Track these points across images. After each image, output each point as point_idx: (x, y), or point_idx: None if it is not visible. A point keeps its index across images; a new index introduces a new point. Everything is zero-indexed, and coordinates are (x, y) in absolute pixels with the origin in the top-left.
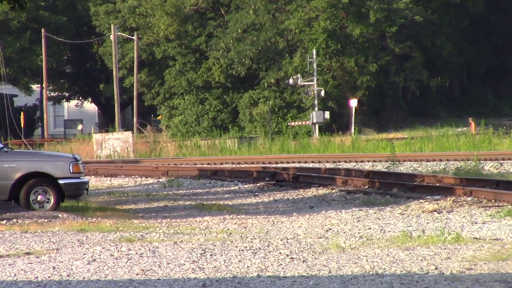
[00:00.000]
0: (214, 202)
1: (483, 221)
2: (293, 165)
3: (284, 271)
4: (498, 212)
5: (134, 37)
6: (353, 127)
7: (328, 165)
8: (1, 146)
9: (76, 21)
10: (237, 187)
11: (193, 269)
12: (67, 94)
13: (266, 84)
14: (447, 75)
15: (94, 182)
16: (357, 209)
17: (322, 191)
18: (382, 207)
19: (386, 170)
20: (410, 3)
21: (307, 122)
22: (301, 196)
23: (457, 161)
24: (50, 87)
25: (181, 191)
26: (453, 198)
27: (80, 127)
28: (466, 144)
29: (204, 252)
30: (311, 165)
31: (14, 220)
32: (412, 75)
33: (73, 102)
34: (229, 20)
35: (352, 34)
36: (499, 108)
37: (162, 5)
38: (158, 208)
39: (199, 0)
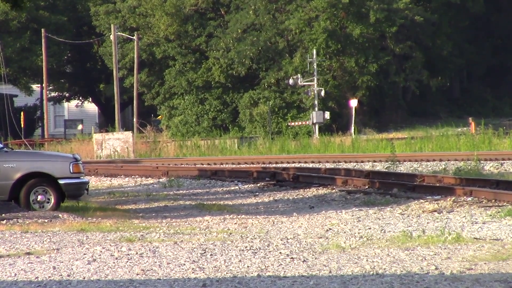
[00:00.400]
0: (214, 202)
1: (483, 221)
2: (293, 165)
3: (284, 271)
4: (498, 212)
5: (134, 37)
6: (353, 127)
7: (328, 165)
8: (1, 146)
9: (76, 21)
10: (237, 187)
11: (193, 269)
12: (67, 94)
13: (266, 84)
14: (447, 75)
15: (94, 182)
16: (357, 209)
17: (322, 191)
18: (382, 207)
19: (386, 170)
20: (410, 3)
21: (307, 122)
22: (301, 196)
23: (457, 161)
24: (50, 87)
25: (181, 191)
26: (453, 198)
27: (80, 127)
28: (466, 144)
29: (204, 252)
30: (311, 165)
31: (15, 220)
32: (412, 75)
33: (73, 102)
34: (229, 20)
35: (352, 34)
36: (499, 108)
37: (162, 5)
38: (158, 208)
39: (199, 0)
